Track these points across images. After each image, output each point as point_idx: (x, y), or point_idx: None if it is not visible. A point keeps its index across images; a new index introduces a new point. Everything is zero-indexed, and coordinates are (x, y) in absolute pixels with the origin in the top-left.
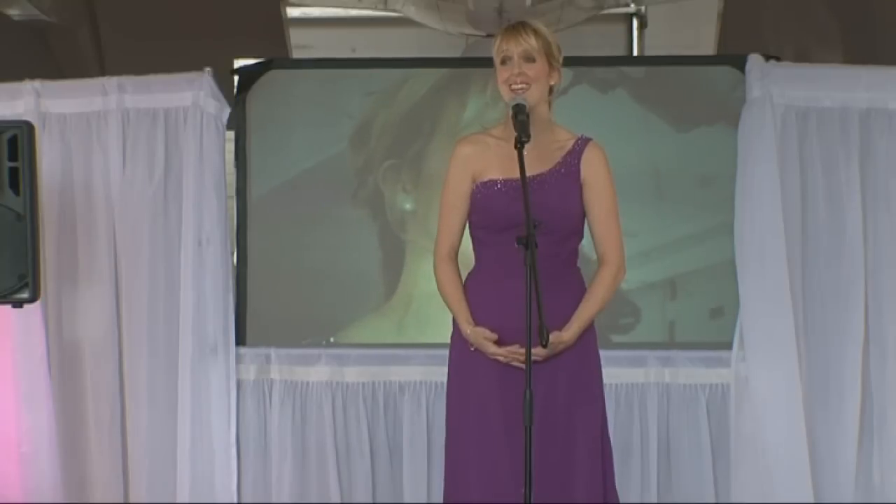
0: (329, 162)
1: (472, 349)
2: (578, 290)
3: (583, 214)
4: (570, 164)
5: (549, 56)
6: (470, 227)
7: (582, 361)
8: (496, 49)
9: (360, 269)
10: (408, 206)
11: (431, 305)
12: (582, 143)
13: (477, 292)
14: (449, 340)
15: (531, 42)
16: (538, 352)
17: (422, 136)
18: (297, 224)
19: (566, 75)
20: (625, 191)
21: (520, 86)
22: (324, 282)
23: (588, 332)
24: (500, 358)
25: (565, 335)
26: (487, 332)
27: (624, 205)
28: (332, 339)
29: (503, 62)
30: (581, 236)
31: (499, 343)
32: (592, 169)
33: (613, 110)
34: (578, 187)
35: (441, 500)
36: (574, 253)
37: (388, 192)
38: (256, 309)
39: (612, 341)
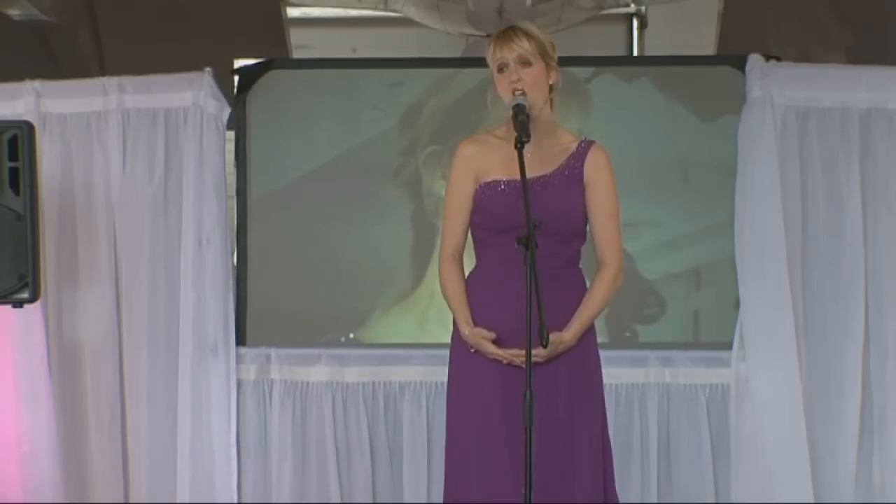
0: (331, 160)
1: (472, 350)
2: (580, 291)
3: (585, 216)
4: (574, 166)
5: (545, 56)
6: (472, 227)
7: (582, 362)
8: (491, 57)
9: (365, 267)
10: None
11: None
12: (585, 146)
13: (478, 293)
14: (445, 341)
15: (524, 46)
16: (539, 352)
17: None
18: (297, 223)
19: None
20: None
21: (520, 91)
22: (326, 279)
23: (588, 333)
24: (500, 359)
25: (566, 335)
26: (485, 332)
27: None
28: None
29: (500, 69)
30: (584, 238)
31: (498, 343)
32: (596, 172)
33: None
34: (581, 189)
35: (441, 501)
36: (576, 254)
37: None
38: (256, 309)
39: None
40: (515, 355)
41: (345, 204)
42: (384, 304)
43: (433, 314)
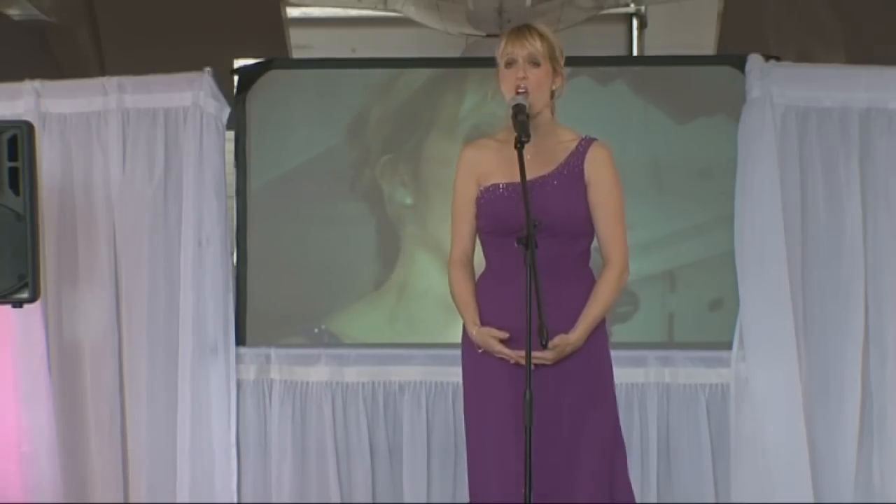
0: (329, 160)
1: (480, 351)
2: (590, 291)
3: (590, 214)
4: (574, 164)
5: (553, 60)
6: (478, 231)
7: (591, 363)
8: (501, 51)
9: (358, 264)
10: (408, 200)
11: (422, 302)
12: (586, 144)
13: (486, 295)
14: (445, 341)
15: (536, 46)
16: (545, 355)
17: (419, 129)
18: (297, 222)
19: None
20: (624, 182)
21: (523, 89)
22: (323, 277)
23: (598, 333)
24: (507, 358)
25: (572, 337)
26: (495, 331)
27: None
28: (323, 327)
29: (507, 65)
30: (591, 237)
31: (507, 345)
32: (596, 169)
33: (613, 102)
34: (583, 187)
35: (441, 500)
36: (585, 253)
37: (386, 187)
38: (256, 309)
39: (611, 332)
40: (522, 356)
41: (345, 201)
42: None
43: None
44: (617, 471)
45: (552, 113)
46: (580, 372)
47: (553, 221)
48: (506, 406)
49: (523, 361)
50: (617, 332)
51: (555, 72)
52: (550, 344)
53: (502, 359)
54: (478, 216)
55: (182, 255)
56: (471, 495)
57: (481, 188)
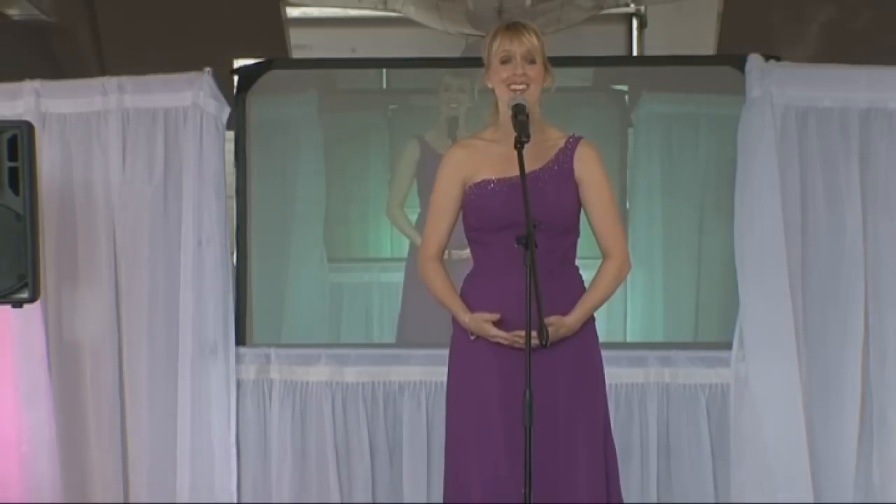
0: (328, 161)
1: (473, 338)
2: (576, 287)
3: (578, 210)
4: (564, 161)
5: (544, 58)
6: (466, 230)
7: (581, 357)
8: (495, 48)
9: None
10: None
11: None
12: (574, 141)
13: (476, 293)
14: (445, 341)
15: (534, 42)
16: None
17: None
18: (297, 222)
19: None
20: (625, 182)
21: (521, 86)
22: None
23: (588, 328)
24: (502, 340)
25: (568, 319)
26: (487, 315)
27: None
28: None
29: (503, 62)
30: (578, 234)
31: (501, 328)
32: (586, 166)
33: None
34: (573, 184)
35: (440, 500)
36: (572, 249)
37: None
38: (257, 309)
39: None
40: (518, 336)
41: (344, 202)
42: None
43: None
44: (610, 469)
45: (539, 108)
46: (570, 366)
47: (544, 216)
48: (496, 403)
49: (518, 341)
50: (616, 331)
51: (545, 69)
52: (546, 321)
53: (493, 350)
54: (466, 214)
55: (182, 255)
56: (447, 494)
57: (469, 185)
